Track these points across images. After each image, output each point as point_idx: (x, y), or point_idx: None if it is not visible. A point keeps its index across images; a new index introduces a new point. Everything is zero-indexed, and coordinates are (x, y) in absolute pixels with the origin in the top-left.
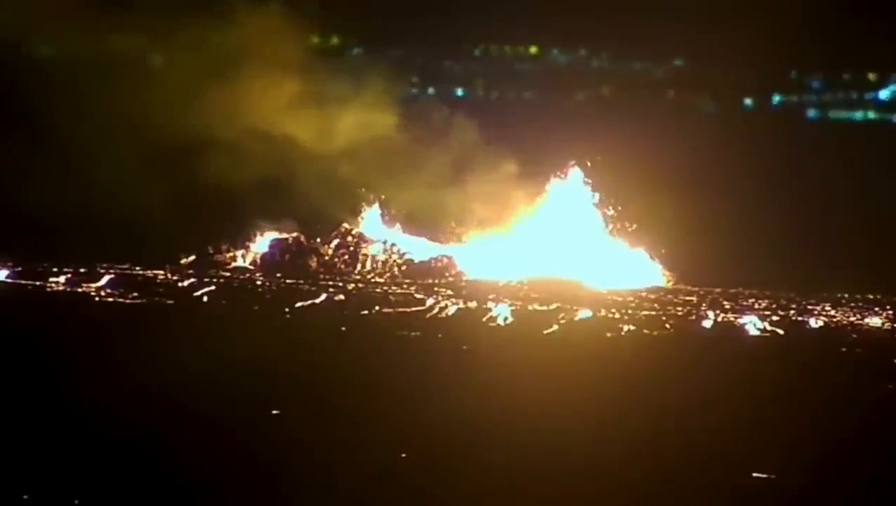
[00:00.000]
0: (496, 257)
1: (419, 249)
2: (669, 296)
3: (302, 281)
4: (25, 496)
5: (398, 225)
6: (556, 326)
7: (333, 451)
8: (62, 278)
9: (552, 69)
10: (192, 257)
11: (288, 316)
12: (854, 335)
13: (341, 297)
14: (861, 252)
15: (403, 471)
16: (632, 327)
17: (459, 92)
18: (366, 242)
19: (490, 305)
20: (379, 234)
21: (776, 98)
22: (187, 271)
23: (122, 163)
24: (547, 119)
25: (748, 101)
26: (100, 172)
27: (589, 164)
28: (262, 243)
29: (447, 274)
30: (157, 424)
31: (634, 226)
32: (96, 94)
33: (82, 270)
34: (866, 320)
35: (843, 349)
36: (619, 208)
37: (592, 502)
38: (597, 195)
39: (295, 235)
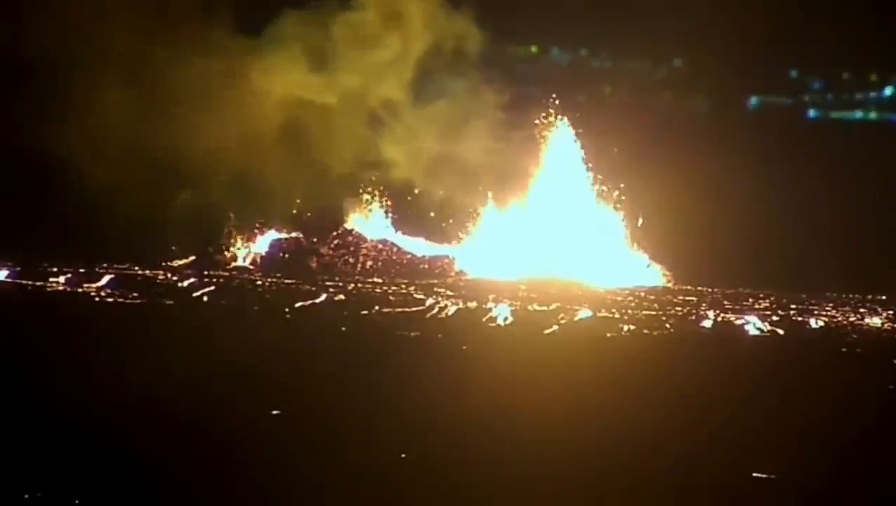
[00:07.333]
0: (496, 257)
1: (419, 248)
2: (669, 296)
3: (302, 281)
4: (26, 496)
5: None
6: (556, 327)
7: (333, 451)
8: (62, 278)
9: (552, 69)
10: (192, 257)
11: (288, 316)
12: (854, 335)
13: (341, 297)
14: (862, 252)
15: (403, 471)
16: (632, 327)
17: None
18: (366, 241)
19: (490, 305)
20: (379, 233)
21: (775, 97)
22: (187, 271)
23: (123, 163)
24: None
25: (748, 101)
26: (100, 172)
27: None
28: (262, 243)
29: (447, 274)
30: (157, 424)
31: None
32: (95, 95)
33: (82, 270)
34: (866, 320)
35: (844, 349)
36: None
37: (592, 502)
38: (596, 195)
39: (295, 235)
